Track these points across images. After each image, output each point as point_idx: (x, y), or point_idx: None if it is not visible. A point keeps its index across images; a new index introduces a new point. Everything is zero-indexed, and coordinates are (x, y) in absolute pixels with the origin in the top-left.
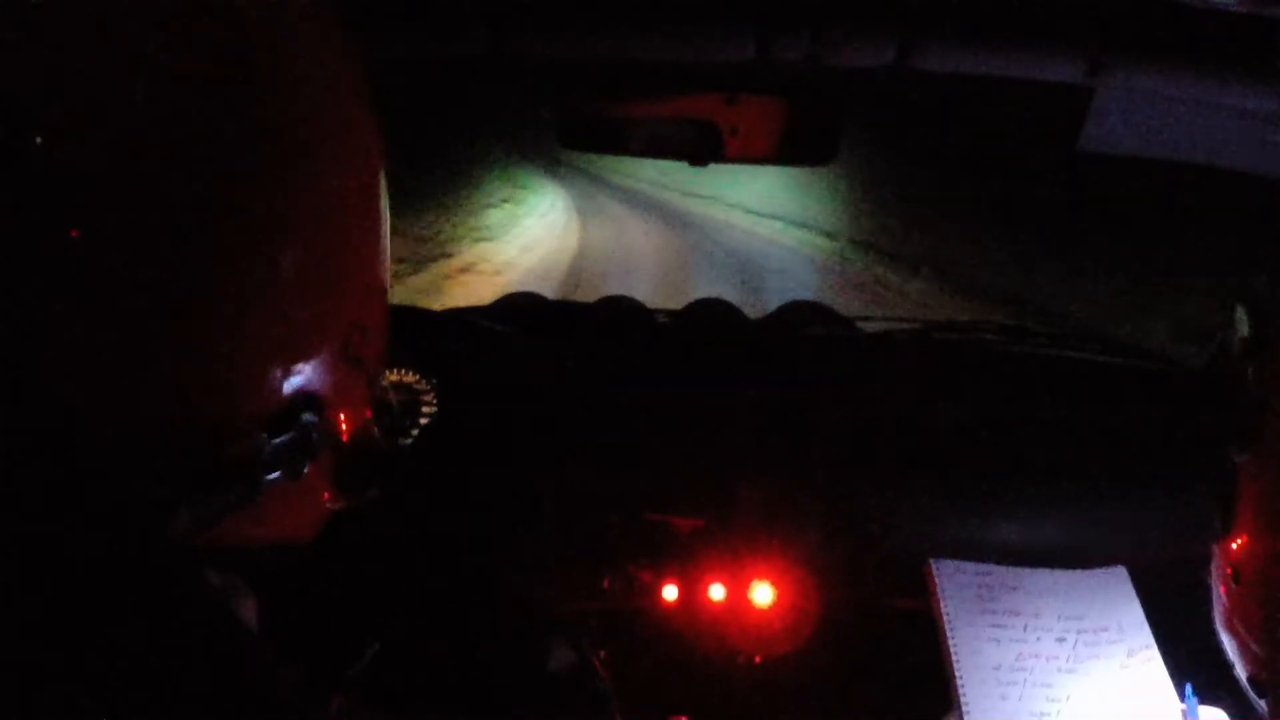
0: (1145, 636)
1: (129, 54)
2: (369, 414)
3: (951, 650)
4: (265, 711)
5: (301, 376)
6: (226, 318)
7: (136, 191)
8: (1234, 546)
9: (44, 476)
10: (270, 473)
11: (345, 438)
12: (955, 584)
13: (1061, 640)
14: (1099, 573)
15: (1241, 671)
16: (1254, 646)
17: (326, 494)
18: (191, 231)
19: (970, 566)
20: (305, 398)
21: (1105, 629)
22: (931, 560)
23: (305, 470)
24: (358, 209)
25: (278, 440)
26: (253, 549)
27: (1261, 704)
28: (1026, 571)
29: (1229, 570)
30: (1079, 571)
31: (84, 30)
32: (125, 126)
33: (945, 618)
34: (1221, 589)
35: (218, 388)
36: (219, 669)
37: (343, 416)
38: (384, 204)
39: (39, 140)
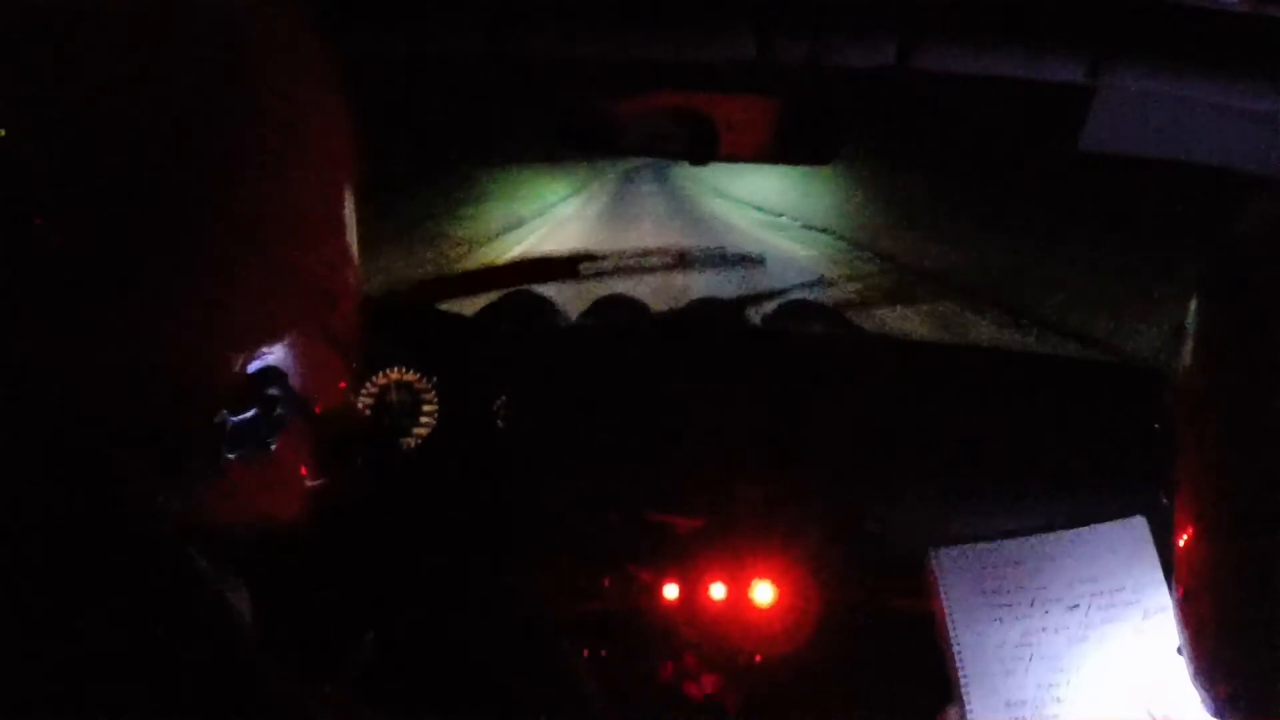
0: (1162, 597)
1: (85, 47)
2: (342, 385)
3: (952, 640)
4: (258, 704)
5: (263, 346)
6: (180, 287)
7: (85, 167)
8: (1178, 561)
9: (31, 465)
10: (235, 449)
11: (318, 409)
12: (957, 574)
13: (1074, 608)
14: (1116, 525)
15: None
16: (1219, 657)
17: (304, 469)
18: (141, 201)
19: (973, 550)
20: (268, 370)
21: (1121, 589)
22: (932, 552)
23: (272, 445)
24: (315, 173)
25: (240, 416)
26: (246, 538)
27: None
28: (1034, 540)
29: (1181, 592)
30: (1094, 527)
31: (40, 33)
32: (73, 108)
33: (947, 612)
34: (1184, 630)
35: (175, 358)
36: (211, 662)
37: (314, 389)
38: (348, 168)
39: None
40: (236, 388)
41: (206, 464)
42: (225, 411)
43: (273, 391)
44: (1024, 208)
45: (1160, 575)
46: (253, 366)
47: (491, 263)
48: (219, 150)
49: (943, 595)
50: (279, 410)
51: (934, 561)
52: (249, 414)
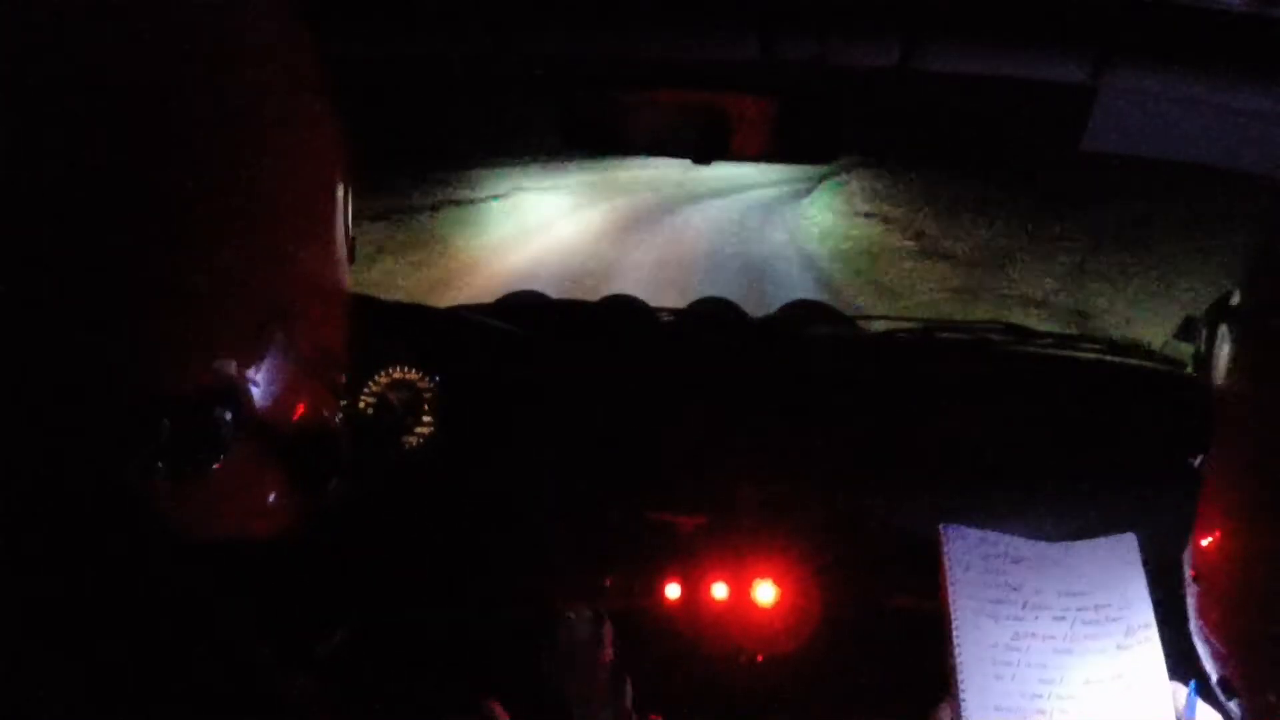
0: (1146, 614)
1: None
2: (302, 407)
3: (953, 625)
4: (234, 686)
5: (218, 359)
6: (123, 300)
7: (51, 162)
8: (1195, 547)
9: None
10: (171, 462)
11: (290, 429)
12: (963, 550)
13: (1060, 619)
14: (1106, 542)
15: (1212, 674)
16: (1217, 645)
17: (269, 488)
18: (102, 198)
19: (979, 534)
20: (222, 390)
21: (1107, 605)
22: (942, 525)
23: (213, 466)
24: (292, 190)
25: (181, 431)
26: (228, 544)
27: (1231, 705)
28: (1033, 543)
29: (1192, 573)
30: (1085, 542)
31: (25, 29)
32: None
33: (950, 586)
34: (1190, 593)
35: (122, 358)
36: (189, 644)
37: (278, 409)
38: (329, 187)
39: None
40: (183, 401)
41: (144, 468)
42: (167, 422)
43: (221, 413)
44: (1031, 203)
45: (1145, 593)
46: (207, 381)
47: (496, 270)
48: (184, 154)
49: (948, 571)
50: (224, 433)
51: (943, 536)
52: (189, 431)
